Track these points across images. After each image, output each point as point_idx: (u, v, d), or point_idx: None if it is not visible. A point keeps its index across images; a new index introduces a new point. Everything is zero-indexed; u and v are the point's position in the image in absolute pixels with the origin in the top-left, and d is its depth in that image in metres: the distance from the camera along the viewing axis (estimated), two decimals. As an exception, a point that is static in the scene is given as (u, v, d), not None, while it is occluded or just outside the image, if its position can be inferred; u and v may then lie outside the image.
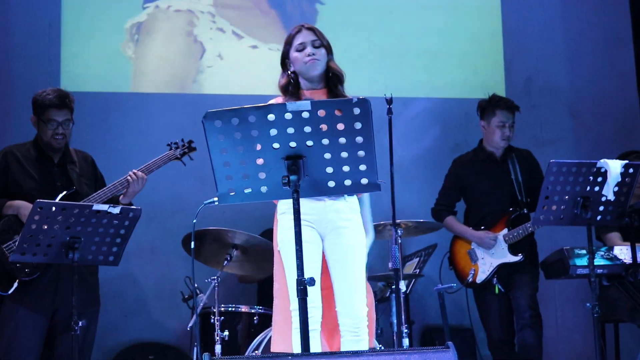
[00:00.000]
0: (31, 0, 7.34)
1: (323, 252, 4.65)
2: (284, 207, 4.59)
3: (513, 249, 6.49)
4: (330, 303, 4.63)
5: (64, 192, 5.54)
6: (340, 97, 4.65)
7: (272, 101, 4.70)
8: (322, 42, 4.73)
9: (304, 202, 4.49)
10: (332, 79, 4.73)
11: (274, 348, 4.71)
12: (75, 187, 5.61)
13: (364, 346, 4.53)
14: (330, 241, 4.61)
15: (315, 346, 4.45)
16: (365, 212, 4.82)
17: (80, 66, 7.35)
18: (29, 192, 5.53)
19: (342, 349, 4.53)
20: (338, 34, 7.64)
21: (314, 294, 4.45)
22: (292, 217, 4.43)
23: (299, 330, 4.36)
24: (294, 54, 4.72)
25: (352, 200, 4.68)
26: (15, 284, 5.36)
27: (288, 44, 4.78)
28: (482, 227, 6.61)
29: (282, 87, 4.77)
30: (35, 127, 5.72)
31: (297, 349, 4.44)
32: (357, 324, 4.55)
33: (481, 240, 6.56)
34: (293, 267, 4.42)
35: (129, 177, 5.58)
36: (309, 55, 4.66)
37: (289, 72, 4.75)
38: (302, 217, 4.41)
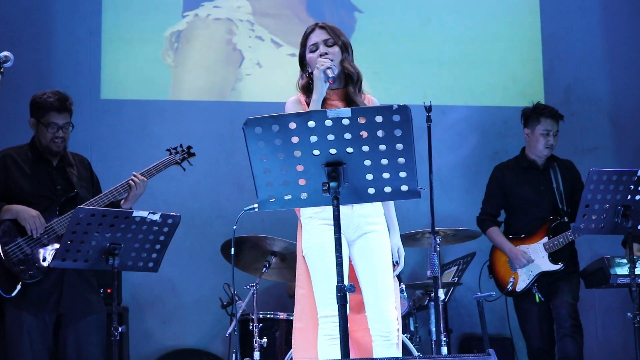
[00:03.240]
0: (72, 9, 7.41)
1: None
2: (310, 211, 4.56)
3: (553, 258, 6.45)
4: (360, 307, 4.60)
5: (67, 197, 5.52)
6: (354, 98, 4.62)
7: (290, 99, 4.69)
8: (336, 41, 4.65)
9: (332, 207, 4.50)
10: (348, 79, 4.66)
11: (297, 356, 4.67)
12: (76, 190, 5.58)
13: (395, 350, 4.50)
14: (358, 246, 4.58)
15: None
16: (392, 211, 4.78)
17: (120, 74, 7.41)
18: (29, 195, 5.46)
19: (375, 354, 4.50)
20: (376, 41, 7.67)
21: None
22: (319, 222, 4.48)
23: (329, 337, 4.39)
24: (308, 55, 4.68)
25: (377, 204, 4.64)
26: (18, 287, 5.27)
27: (303, 45, 4.73)
28: (522, 236, 6.58)
29: (303, 87, 4.70)
30: (33, 129, 5.61)
31: (323, 356, 4.43)
32: (388, 328, 4.51)
33: (516, 257, 6.51)
34: (320, 272, 4.44)
35: (130, 181, 5.55)
36: (321, 55, 4.58)
37: (308, 72, 4.69)
38: (330, 222, 4.41)
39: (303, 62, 4.74)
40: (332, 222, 4.36)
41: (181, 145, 5.94)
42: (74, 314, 5.43)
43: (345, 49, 4.67)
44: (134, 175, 5.55)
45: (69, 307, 5.42)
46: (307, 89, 4.67)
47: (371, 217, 4.60)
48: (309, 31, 4.71)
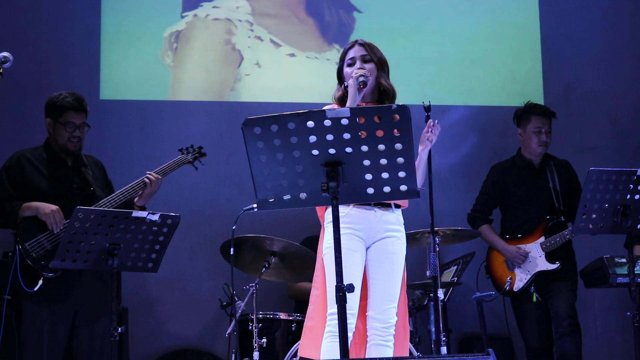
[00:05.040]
0: (71, 9, 7.41)
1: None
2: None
3: (550, 257, 6.46)
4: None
5: (83, 195, 5.57)
6: None
7: (326, 107, 4.73)
8: (372, 58, 4.79)
9: (355, 211, 4.56)
10: (382, 95, 4.78)
11: (302, 353, 4.75)
12: (92, 188, 5.64)
13: (390, 352, 4.55)
14: (375, 249, 4.65)
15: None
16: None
17: (120, 74, 7.41)
18: (46, 194, 5.55)
19: (368, 354, 4.56)
20: (376, 41, 7.52)
21: (353, 301, 4.46)
22: (341, 225, 4.49)
23: (333, 335, 4.41)
24: (345, 69, 4.81)
25: (398, 213, 4.75)
26: (40, 282, 5.37)
27: (341, 59, 4.87)
28: (519, 235, 6.59)
29: (339, 99, 4.82)
30: (50, 130, 5.71)
31: (326, 354, 4.46)
32: (386, 329, 4.59)
33: (512, 255, 6.54)
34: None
35: (145, 179, 5.62)
36: (357, 69, 4.70)
37: (344, 85, 4.80)
38: (350, 226, 4.52)
39: (340, 76, 4.88)
40: (354, 226, 4.58)
41: (192, 146, 6.10)
42: (89, 314, 5.50)
43: (382, 66, 4.83)
44: (149, 174, 5.64)
45: (85, 305, 5.51)
46: (342, 100, 4.78)
47: (392, 225, 4.70)
48: (348, 47, 4.87)
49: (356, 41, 4.88)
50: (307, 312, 4.76)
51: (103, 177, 5.89)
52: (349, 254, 4.48)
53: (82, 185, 5.68)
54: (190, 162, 6.03)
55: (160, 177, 5.70)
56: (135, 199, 5.68)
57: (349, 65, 4.79)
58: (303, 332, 4.76)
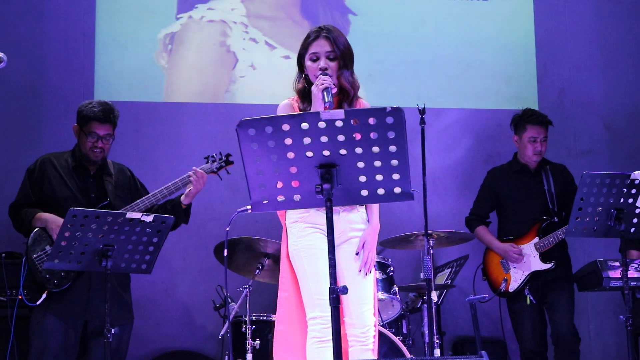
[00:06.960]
0: (65, 11, 7.40)
1: None
2: (296, 215, 4.58)
3: (544, 257, 6.47)
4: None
5: (99, 206, 5.57)
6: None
7: (282, 104, 4.69)
8: (337, 54, 4.58)
9: (318, 213, 4.45)
10: (343, 91, 4.62)
11: (277, 358, 4.67)
12: (109, 199, 5.65)
13: (371, 355, 4.52)
14: (342, 252, 4.55)
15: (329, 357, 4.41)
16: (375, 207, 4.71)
17: (114, 76, 7.39)
18: (63, 201, 5.59)
19: (351, 359, 4.52)
20: (370, 44, 7.67)
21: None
22: (305, 225, 4.52)
23: (317, 340, 4.40)
24: (307, 62, 4.62)
25: (362, 211, 4.65)
26: (44, 295, 5.41)
27: (304, 48, 4.66)
28: (514, 237, 6.60)
29: (299, 90, 4.68)
30: (76, 136, 5.78)
31: (313, 359, 4.44)
32: (365, 333, 4.54)
33: (505, 252, 6.57)
34: (308, 274, 4.47)
35: (191, 179, 5.60)
36: (320, 69, 4.54)
37: (304, 75, 4.67)
38: (316, 225, 4.47)
39: (301, 63, 4.69)
40: (317, 225, 4.48)
41: (220, 153, 5.91)
42: (100, 326, 5.44)
43: (344, 63, 4.60)
44: (195, 170, 5.64)
45: (95, 316, 5.51)
46: (302, 92, 4.67)
47: (356, 224, 4.62)
48: (313, 38, 4.63)
49: (320, 31, 4.62)
50: (277, 315, 4.68)
51: (128, 185, 5.88)
52: (322, 254, 4.26)
53: (99, 195, 5.71)
54: (214, 172, 5.84)
55: (205, 173, 5.68)
56: (182, 197, 5.69)
57: (312, 60, 4.59)
58: (275, 337, 4.68)
